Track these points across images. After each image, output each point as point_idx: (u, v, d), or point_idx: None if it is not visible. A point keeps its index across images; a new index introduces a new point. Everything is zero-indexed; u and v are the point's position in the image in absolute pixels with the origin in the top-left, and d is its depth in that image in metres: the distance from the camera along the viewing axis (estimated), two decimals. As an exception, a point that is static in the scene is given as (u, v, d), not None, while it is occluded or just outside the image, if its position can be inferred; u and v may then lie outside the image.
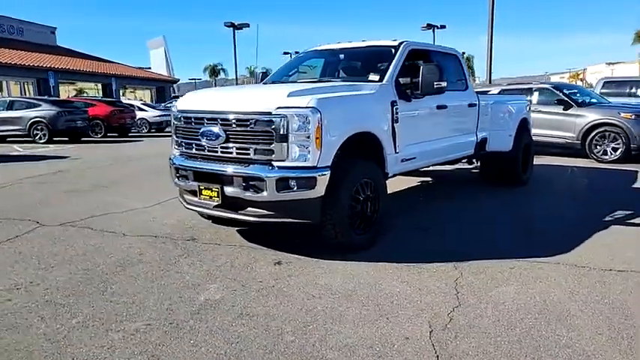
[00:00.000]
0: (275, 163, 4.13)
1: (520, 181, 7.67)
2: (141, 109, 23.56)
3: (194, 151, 4.62)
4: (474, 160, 7.83)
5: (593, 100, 11.62)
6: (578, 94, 11.55)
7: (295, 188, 4.09)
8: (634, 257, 4.30)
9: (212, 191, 4.41)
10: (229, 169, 4.29)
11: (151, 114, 23.48)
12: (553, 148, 11.22)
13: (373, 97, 4.79)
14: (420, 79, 4.99)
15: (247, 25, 35.64)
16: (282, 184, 4.08)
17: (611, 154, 10.37)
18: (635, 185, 7.93)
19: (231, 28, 35.35)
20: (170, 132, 5.08)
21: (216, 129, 4.34)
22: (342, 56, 6.12)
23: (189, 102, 4.84)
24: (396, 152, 5.02)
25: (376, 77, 5.12)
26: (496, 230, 5.34)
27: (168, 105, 30.88)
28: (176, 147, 4.88)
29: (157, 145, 16.36)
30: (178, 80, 50.25)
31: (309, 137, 4.04)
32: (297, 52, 6.51)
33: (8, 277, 4.03)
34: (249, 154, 4.22)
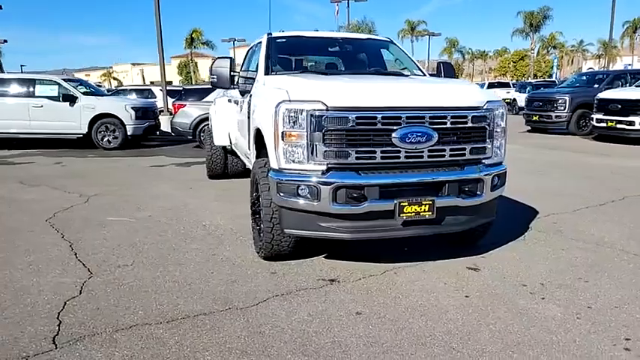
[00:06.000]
0: (485, 161, 3.85)
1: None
2: None
3: (379, 160, 3.52)
4: None
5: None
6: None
7: (498, 185, 3.97)
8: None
9: (421, 206, 3.58)
10: (448, 175, 3.66)
11: None
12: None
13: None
14: (443, 75, 5.34)
15: None
16: (493, 182, 3.88)
17: None
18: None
19: None
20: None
21: (424, 129, 3.55)
22: (340, 47, 5.48)
23: (353, 96, 3.52)
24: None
25: (419, 72, 5.13)
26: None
27: None
28: (321, 160, 3.48)
29: None
30: None
31: (503, 131, 4.00)
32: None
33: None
34: (464, 154, 3.72)
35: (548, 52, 74.30)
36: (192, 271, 3.94)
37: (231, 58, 5.02)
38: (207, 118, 11.95)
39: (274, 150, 3.61)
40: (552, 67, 68.80)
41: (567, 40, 74.31)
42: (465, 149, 3.71)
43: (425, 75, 5.17)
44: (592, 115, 13.82)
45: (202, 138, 12.21)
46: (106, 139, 12.36)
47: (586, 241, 4.64)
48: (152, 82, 49.92)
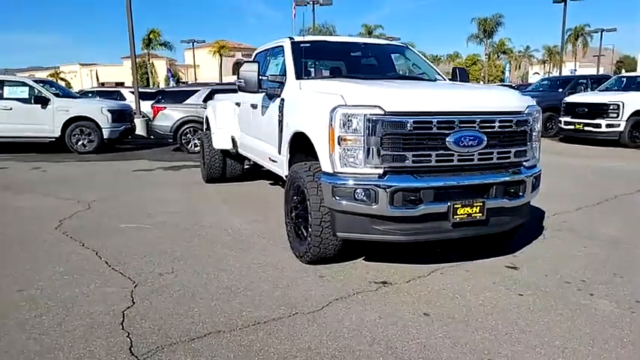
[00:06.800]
0: (525, 164, 4.00)
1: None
2: None
3: (433, 163, 3.59)
4: None
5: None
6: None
7: (536, 186, 4.13)
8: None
9: (473, 207, 3.67)
10: (497, 177, 3.77)
11: None
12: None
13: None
14: (459, 79, 5.48)
15: None
16: (533, 184, 4.03)
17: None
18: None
19: None
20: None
21: (476, 133, 3.64)
22: (361, 52, 5.52)
23: (410, 101, 3.58)
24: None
25: (440, 77, 5.25)
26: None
27: None
28: (377, 164, 3.50)
29: None
30: None
31: (539, 134, 4.15)
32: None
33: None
34: (509, 157, 3.85)
35: (498, 57, 77.05)
36: (238, 277, 3.87)
37: (258, 62, 4.97)
38: (188, 121, 11.87)
39: (329, 154, 3.61)
40: (504, 72, 71.37)
41: (515, 46, 77.34)
42: (510, 152, 3.83)
43: (445, 79, 5.29)
44: (560, 118, 14.46)
45: (184, 141, 12.04)
46: (80, 142, 11.87)
47: (601, 239, 4.87)
48: (103, 84, 48.22)
